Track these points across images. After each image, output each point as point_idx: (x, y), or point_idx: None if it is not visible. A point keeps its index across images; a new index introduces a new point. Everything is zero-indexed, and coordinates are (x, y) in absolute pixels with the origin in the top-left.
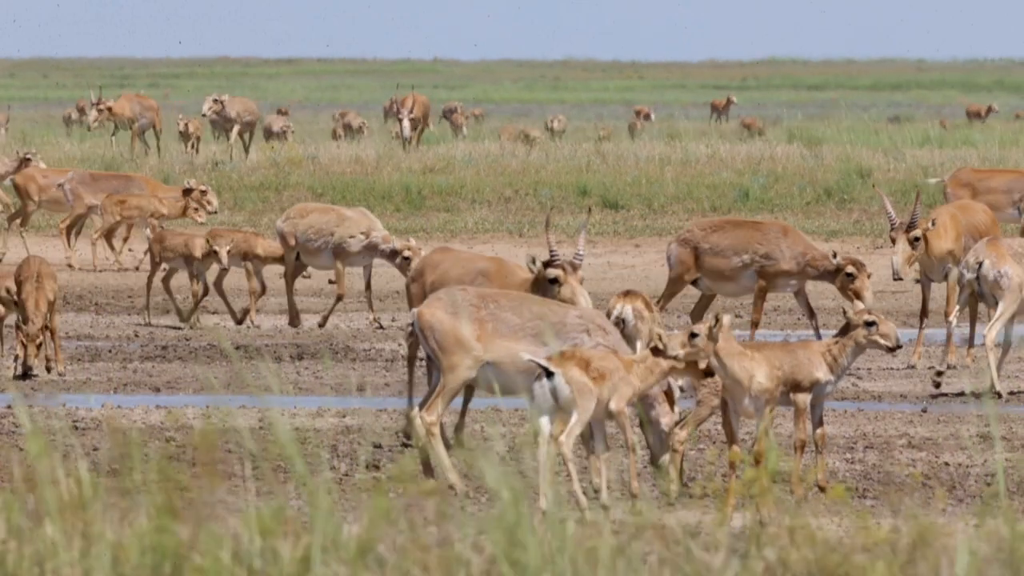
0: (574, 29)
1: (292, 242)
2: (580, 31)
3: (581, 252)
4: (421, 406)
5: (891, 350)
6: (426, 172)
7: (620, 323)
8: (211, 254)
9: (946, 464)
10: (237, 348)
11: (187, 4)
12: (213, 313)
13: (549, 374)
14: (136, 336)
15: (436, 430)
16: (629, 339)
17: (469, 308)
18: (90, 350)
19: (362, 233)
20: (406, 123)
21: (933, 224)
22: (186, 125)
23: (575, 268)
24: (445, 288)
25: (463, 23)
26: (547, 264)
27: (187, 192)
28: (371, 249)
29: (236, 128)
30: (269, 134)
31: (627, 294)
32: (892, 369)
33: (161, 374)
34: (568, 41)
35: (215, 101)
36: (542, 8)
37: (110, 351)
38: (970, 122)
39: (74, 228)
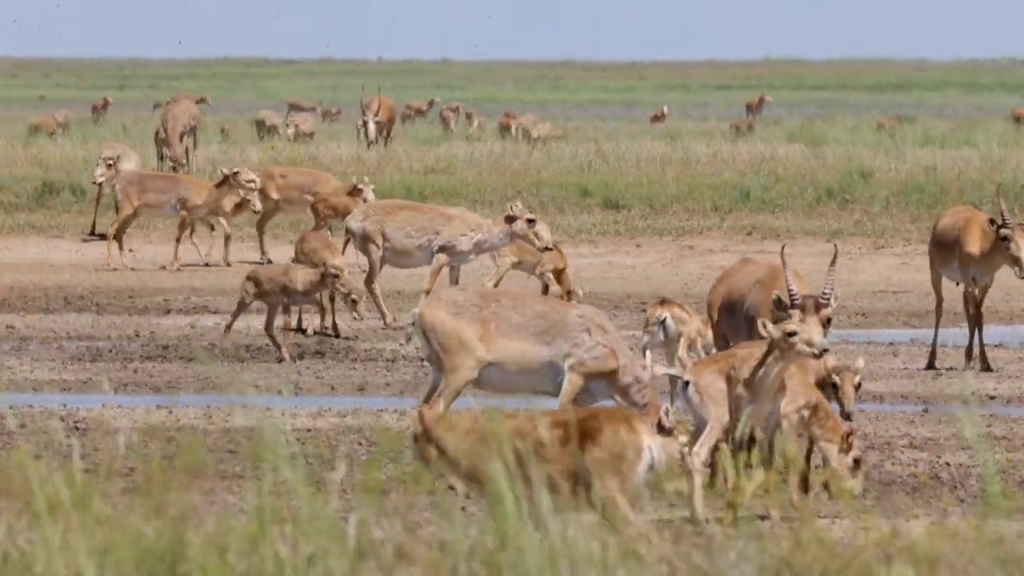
0: (574, 29)
1: (379, 240)
2: (580, 31)
3: (828, 290)
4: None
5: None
6: (428, 172)
7: (661, 328)
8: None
9: (947, 464)
10: (238, 348)
11: (187, 4)
12: (214, 313)
13: (685, 383)
14: (137, 336)
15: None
16: (670, 344)
17: (471, 308)
18: (91, 350)
19: (472, 231)
20: (371, 125)
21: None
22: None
23: (819, 307)
24: (445, 288)
25: (463, 23)
26: (780, 305)
27: (355, 191)
28: (479, 245)
29: (183, 137)
30: (299, 134)
31: (663, 302)
32: (894, 369)
33: (162, 374)
34: (568, 41)
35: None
36: (542, 8)
37: (111, 351)
38: (1018, 127)
39: (124, 230)
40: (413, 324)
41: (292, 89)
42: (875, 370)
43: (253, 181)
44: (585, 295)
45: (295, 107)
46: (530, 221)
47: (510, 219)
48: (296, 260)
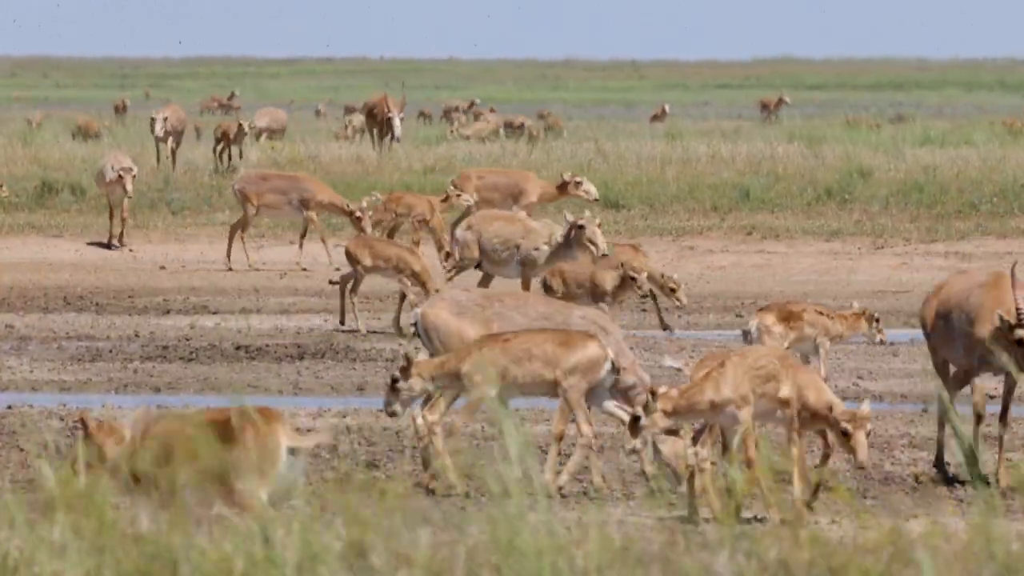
0: (574, 29)
1: (476, 251)
2: (580, 31)
3: None
4: (423, 405)
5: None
6: (427, 172)
7: (746, 336)
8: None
9: (947, 464)
10: (238, 348)
11: (187, 4)
12: (214, 313)
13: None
14: (137, 336)
15: (438, 429)
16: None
17: (474, 308)
18: (90, 350)
19: (545, 244)
20: (396, 121)
21: None
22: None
23: None
24: (448, 289)
25: (464, 23)
26: (1004, 325)
27: (564, 186)
28: (554, 257)
29: (171, 139)
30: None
31: (762, 309)
32: (894, 369)
33: (162, 374)
34: (569, 41)
35: (164, 119)
36: (542, 8)
37: (111, 351)
38: None
39: (245, 230)
40: (415, 323)
41: (292, 89)
42: (875, 370)
43: (365, 231)
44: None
45: (350, 109)
46: (577, 183)
47: (563, 185)
48: (364, 267)
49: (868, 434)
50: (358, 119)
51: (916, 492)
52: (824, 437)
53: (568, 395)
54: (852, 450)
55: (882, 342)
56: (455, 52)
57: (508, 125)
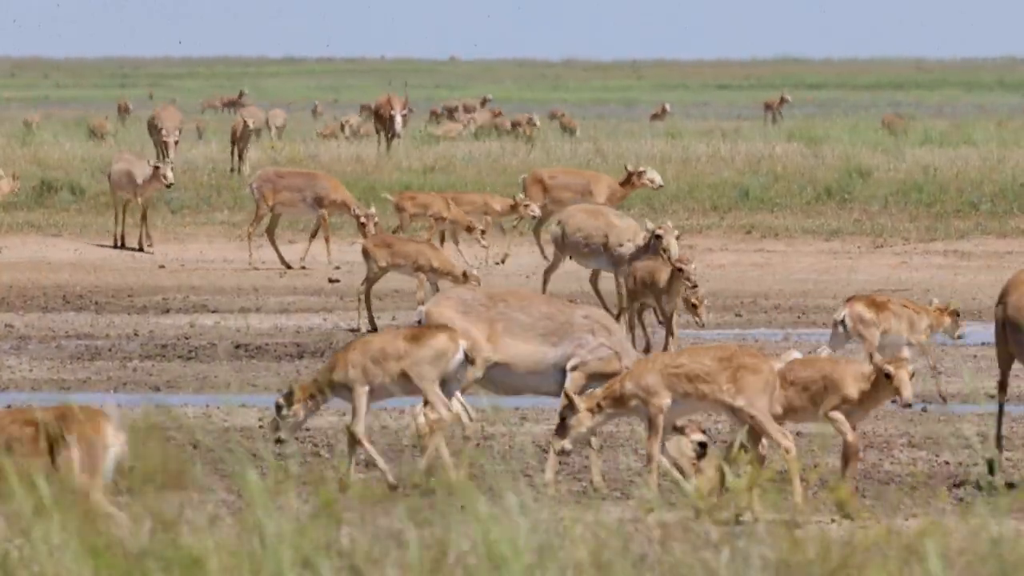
0: (574, 29)
1: (559, 245)
2: (580, 31)
3: None
4: (425, 404)
5: None
6: (427, 171)
7: (839, 326)
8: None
9: (946, 463)
10: (237, 347)
11: (187, 4)
12: (213, 312)
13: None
14: (136, 335)
15: (438, 428)
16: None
17: (479, 308)
18: (90, 349)
19: (629, 240)
20: (399, 119)
21: None
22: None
23: None
24: (452, 288)
25: (463, 23)
26: None
27: (628, 180)
28: (637, 253)
29: (171, 140)
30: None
31: (851, 299)
32: None
33: (161, 373)
34: (569, 41)
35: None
36: (542, 8)
37: (110, 350)
38: None
39: (267, 229)
40: (420, 322)
41: (292, 89)
42: None
43: (366, 226)
44: (583, 295)
45: (365, 108)
46: (640, 173)
47: (628, 179)
48: (382, 266)
49: (911, 376)
50: (355, 119)
51: (916, 492)
52: (847, 457)
53: (420, 384)
54: (896, 390)
55: (960, 336)
56: (455, 52)
57: (515, 124)
